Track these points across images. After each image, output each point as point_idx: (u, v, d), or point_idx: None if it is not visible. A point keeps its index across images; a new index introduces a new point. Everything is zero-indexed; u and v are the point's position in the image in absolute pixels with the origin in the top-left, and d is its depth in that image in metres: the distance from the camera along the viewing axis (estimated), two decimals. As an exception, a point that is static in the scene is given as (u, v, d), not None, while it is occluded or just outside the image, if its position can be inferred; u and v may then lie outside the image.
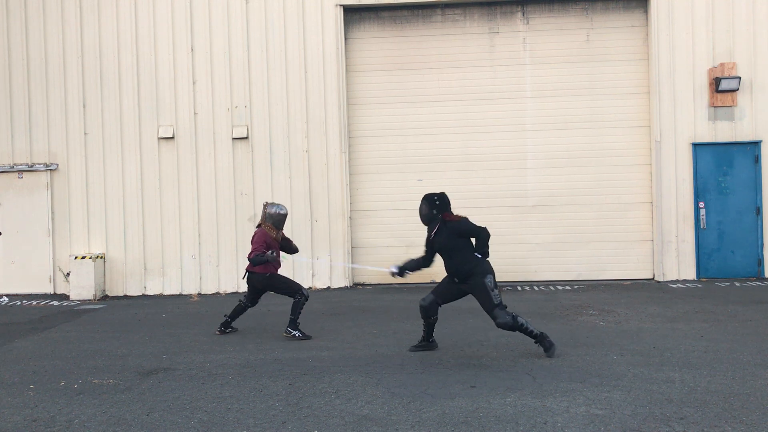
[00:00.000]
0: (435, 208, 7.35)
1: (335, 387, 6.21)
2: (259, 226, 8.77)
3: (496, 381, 6.26)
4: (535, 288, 12.40)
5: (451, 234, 7.22)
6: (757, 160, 12.64)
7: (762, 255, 12.63)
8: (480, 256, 7.20)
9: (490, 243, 7.27)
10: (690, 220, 12.69)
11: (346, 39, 13.19)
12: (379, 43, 13.28)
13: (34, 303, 12.34)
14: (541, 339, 7.14)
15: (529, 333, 7.09)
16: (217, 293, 12.92)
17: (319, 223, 12.96)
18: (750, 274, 12.64)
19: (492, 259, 13.05)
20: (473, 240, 7.29)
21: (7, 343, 8.76)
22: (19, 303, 12.41)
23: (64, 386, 6.54)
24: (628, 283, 12.56)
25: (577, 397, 5.70)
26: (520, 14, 13.16)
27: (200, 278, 13.00)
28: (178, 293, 12.98)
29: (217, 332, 8.88)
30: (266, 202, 8.89)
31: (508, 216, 13.06)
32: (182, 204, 13.05)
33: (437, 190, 7.85)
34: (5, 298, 12.80)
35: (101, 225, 13.08)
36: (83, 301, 12.45)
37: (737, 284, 12.06)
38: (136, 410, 5.72)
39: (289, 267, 12.94)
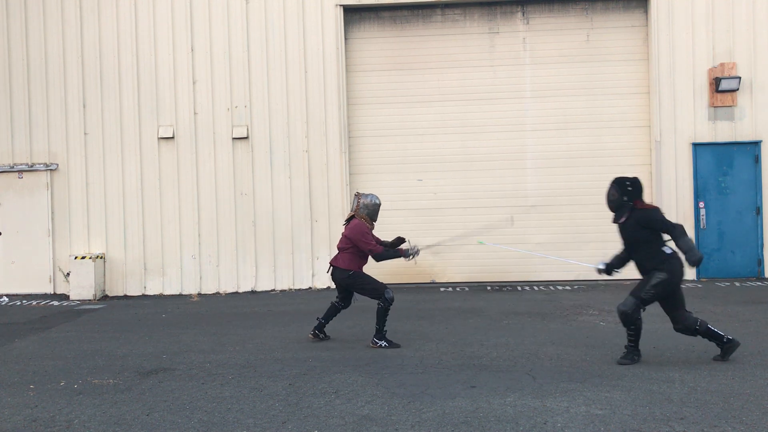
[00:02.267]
0: (626, 194, 6.66)
1: (335, 387, 6.21)
2: (351, 218, 8.06)
3: (496, 381, 6.26)
4: (535, 288, 12.40)
5: (637, 224, 6.57)
6: (757, 160, 12.64)
7: (762, 255, 12.63)
8: (670, 252, 6.45)
9: (687, 241, 6.39)
10: (690, 220, 12.68)
11: (346, 39, 13.19)
12: (379, 43, 13.29)
13: (34, 303, 12.34)
14: (629, 352, 6.69)
15: (631, 338, 6.66)
16: (217, 293, 12.92)
17: (319, 223, 12.95)
18: (750, 274, 12.64)
19: (492, 258, 13.21)
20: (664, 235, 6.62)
21: (7, 343, 8.75)
22: (19, 303, 12.41)
23: (64, 386, 6.54)
24: (628, 283, 12.53)
25: (577, 397, 5.70)
26: (520, 14, 13.17)
27: (200, 278, 13.00)
28: (178, 293, 12.98)
29: (311, 336, 8.28)
30: (358, 192, 8.21)
31: (508, 216, 13.04)
32: (182, 204, 13.05)
33: (629, 174, 7.14)
34: (5, 298, 12.80)
35: (101, 225, 13.08)
36: (83, 301, 12.44)
37: (737, 284, 12.06)
38: (136, 410, 5.72)
39: (288, 265, 12.95)
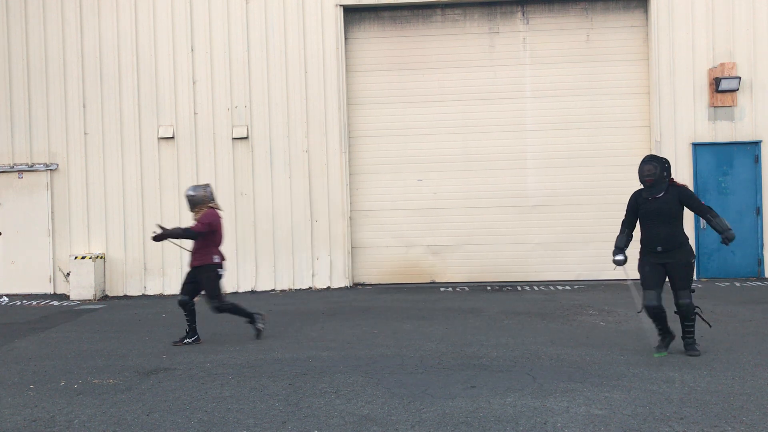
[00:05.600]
0: (666, 170, 7.12)
1: (335, 387, 6.21)
2: (200, 209, 8.36)
3: (496, 381, 6.26)
4: (535, 288, 12.40)
5: (677, 199, 7.04)
6: (757, 160, 12.64)
7: (762, 255, 12.63)
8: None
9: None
10: (690, 220, 12.65)
11: (346, 39, 13.19)
12: (379, 43, 13.28)
13: (34, 303, 12.34)
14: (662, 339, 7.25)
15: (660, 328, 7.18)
16: (217, 293, 12.91)
17: (319, 223, 12.95)
18: (750, 274, 12.64)
19: (492, 258, 13.23)
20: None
21: (7, 343, 8.76)
22: (19, 303, 12.41)
23: (64, 386, 6.54)
24: (629, 282, 12.52)
25: (577, 397, 5.70)
26: (520, 14, 13.16)
27: (200, 278, 12.98)
28: (178, 293, 12.94)
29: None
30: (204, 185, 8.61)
31: (508, 216, 13.06)
32: (182, 204, 13.02)
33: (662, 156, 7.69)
34: (5, 298, 12.80)
35: (101, 225, 13.08)
36: (83, 301, 12.44)
37: (737, 284, 12.06)
38: (136, 410, 5.72)
39: (288, 265, 12.94)
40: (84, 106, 13.15)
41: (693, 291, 7.08)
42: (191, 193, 8.37)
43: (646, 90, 12.97)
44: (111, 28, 13.15)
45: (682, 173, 12.66)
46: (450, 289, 12.59)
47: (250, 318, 8.47)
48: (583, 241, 12.95)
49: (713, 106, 12.63)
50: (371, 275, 13.18)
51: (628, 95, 13.00)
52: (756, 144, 12.63)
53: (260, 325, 8.45)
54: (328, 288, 12.92)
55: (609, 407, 5.43)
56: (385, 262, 13.19)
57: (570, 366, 6.74)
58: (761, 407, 5.38)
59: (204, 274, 8.24)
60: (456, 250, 13.11)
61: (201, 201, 8.32)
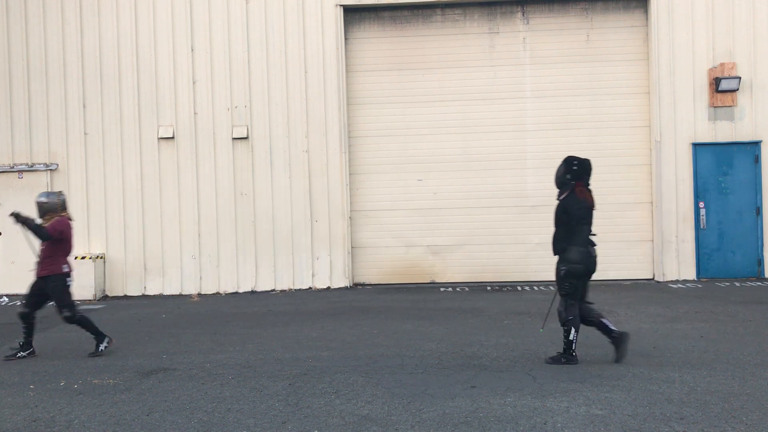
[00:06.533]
0: (570, 173, 6.84)
1: (335, 387, 6.21)
2: (50, 217, 7.96)
3: (496, 381, 6.26)
4: (535, 288, 12.40)
5: (561, 206, 6.81)
6: (757, 160, 12.64)
7: (762, 255, 12.63)
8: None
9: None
10: (690, 220, 12.68)
11: (346, 39, 13.19)
12: (379, 43, 13.28)
13: (34, 303, 12.32)
14: (567, 354, 6.81)
15: (567, 339, 6.77)
16: (217, 293, 12.92)
17: (319, 223, 12.95)
18: (750, 274, 12.63)
19: (492, 258, 13.20)
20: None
21: (7, 343, 8.75)
22: (19, 303, 12.38)
23: (64, 386, 6.54)
24: (628, 283, 12.54)
25: (577, 397, 5.70)
26: (520, 14, 13.16)
27: (200, 278, 13.00)
28: (178, 293, 12.98)
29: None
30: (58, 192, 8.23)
31: (508, 216, 13.06)
32: (182, 204, 13.05)
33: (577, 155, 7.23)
34: (5, 298, 12.80)
35: (101, 225, 13.08)
36: (83, 301, 12.41)
37: (737, 284, 12.06)
38: (136, 410, 5.72)
39: (288, 265, 12.94)
40: (84, 106, 13.15)
41: (565, 293, 6.72)
42: (43, 199, 7.96)
43: (646, 90, 12.97)
44: (111, 28, 13.15)
45: (682, 173, 12.68)
46: (450, 289, 12.59)
47: (98, 336, 7.95)
48: (583, 241, 12.94)
49: (713, 106, 12.63)
50: (371, 275, 13.18)
51: (628, 95, 13.00)
52: (756, 144, 12.63)
53: (102, 347, 7.90)
54: (328, 288, 12.92)
55: (609, 407, 5.43)
56: (385, 262, 13.20)
57: (570, 366, 6.73)
58: (761, 407, 5.38)
59: (52, 284, 7.84)
60: (456, 250, 13.11)
61: (52, 208, 7.94)
